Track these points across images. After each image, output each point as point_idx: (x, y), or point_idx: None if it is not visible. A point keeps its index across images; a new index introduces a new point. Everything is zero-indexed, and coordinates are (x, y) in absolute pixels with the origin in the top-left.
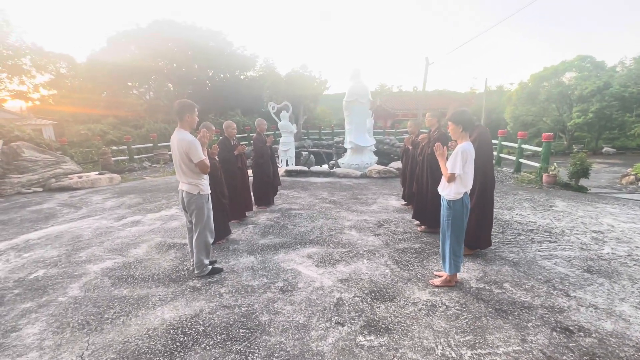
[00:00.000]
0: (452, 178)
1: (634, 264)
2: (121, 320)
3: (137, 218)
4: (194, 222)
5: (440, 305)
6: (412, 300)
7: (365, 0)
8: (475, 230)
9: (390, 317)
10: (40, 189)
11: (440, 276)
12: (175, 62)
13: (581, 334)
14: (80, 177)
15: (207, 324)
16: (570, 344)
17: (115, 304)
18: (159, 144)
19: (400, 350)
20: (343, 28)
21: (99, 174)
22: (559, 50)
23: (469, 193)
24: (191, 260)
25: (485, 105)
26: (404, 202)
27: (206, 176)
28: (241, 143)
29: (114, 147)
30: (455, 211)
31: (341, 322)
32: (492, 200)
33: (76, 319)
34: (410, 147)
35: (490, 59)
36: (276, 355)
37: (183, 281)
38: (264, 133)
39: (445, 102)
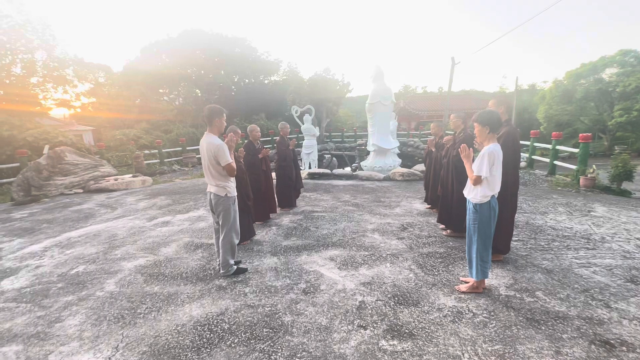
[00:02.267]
0: (478, 181)
1: None
2: (152, 315)
3: (167, 219)
4: (220, 223)
5: (467, 312)
6: (437, 306)
7: (389, 1)
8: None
9: (414, 322)
10: (80, 190)
11: (466, 282)
12: (203, 69)
13: (624, 348)
14: (116, 180)
15: (232, 322)
16: (611, 359)
17: (147, 300)
18: (188, 148)
19: (425, 357)
20: (366, 29)
21: (133, 176)
22: (597, 46)
23: (496, 196)
24: (217, 260)
25: (516, 105)
26: (428, 206)
27: (233, 179)
28: (265, 146)
29: (146, 151)
30: (482, 215)
31: (364, 325)
32: (515, 204)
33: (112, 312)
34: (433, 150)
35: (521, 56)
36: (299, 355)
37: (209, 280)
38: (287, 136)
39: (472, 102)
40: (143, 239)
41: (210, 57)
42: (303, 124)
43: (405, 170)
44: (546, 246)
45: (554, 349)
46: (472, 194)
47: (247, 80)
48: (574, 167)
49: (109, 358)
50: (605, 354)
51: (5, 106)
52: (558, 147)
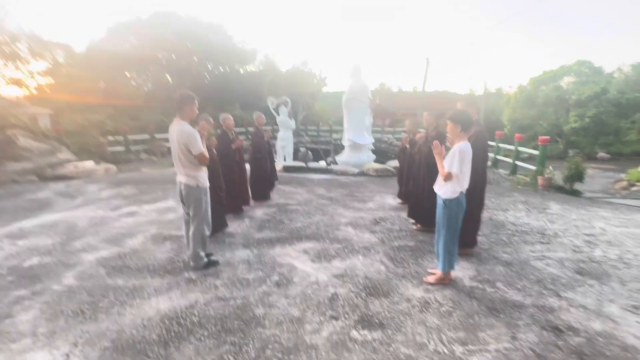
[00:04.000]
0: (448, 177)
1: (624, 267)
2: (115, 309)
3: (133, 209)
4: (191, 214)
5: (434, 302)
6: (406, 297)
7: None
8: (461, 228)
9: (384, 312)
10: (35, 178)
11: (434, 274)
12: (175, 54)
13: (570, 333)
14: (76, 167)
15: (202, 315)
16: (560, 342)
17: (110, 294)
18: (157, 136)
19: (393, 345)
20: (345, 26)
21: (95, 164)
22: (560, 54)
23: (464, 193)
24: (187, 252)
25: (484, 107)
26: (400, 201)
27: (205, 168)
28: (239, 137)
29: (110, 138)
30: (451, 210)
31: (335, 316)
32: (482, 200)
33: (70, 307)
34: (407, 146)
35: (491, 61)
36: (270, 347)
37: (178, 272)
38: (263, 127)
39: (445, 102)
40: (106, 229)
41: (183, 43)
42: (279, 115)
43: (379, 166)
44: (507, 240)
45: (510, 335)
46: (442, 190)
47: (221, 69)
48: (533, 167)
49: (67, 355)
50: (555, 338)
51: None
52: (520, 148)
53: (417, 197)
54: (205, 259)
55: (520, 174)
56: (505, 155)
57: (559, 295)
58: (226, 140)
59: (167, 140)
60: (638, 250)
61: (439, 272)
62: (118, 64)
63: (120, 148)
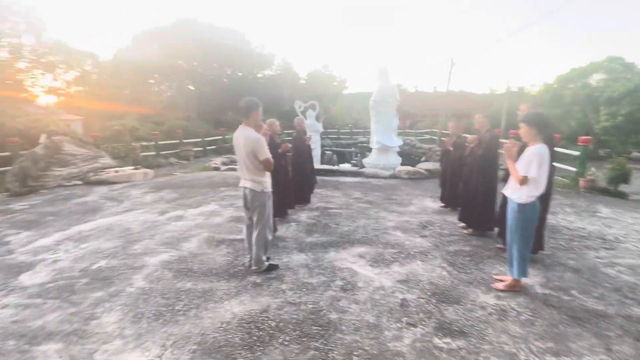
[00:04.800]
0: (524, 181)
1: None
2: (193, 312)
3: (179, 213)
4: (255, 219)
5: (510, 310)
6: (479, 304)
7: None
8: None
9: (461, 320)
10: (79, 182)
11: (501, 280)
12: (195, 61)
13: None
14: (116, 172)
15: (278, 320)
16: None
17: (183, 297)
18: (184, 140)
19: (482, 355)
20: (362, 26)
21: (134, 169)
22: (587, 52)
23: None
24: (247, 256)
25: (506, 107)
26: (442, 204)
27: (269, 174)
28: (284, 142)
29: (143, 143)
30: (526, 215)
31: (412, 323)
32: (548, 204)
33: (149, 309)
34: (451, 149)
35: (513, 60)
36: (355, 353)
37: (242, 276)
38: (304, 131)
39: (466, 103)
40: (160, 233)
41: (203, 49)
42: (307, 119)
43: (411, 168)
44: (566, 245)
45: (604, 347)
46: (517, 194)
47: (240, 74)
48: (569, 168)
49: (159, 357)
50: None
51: None
52: (556, 149)
53: (469, 201)
54: (266, 263)
55: (557, 176)
56: None
57: None
58: (273, 144)
59: (194, 144)
60: None
61: (508, 278)
62: (142, 72)
63: (150, 153)
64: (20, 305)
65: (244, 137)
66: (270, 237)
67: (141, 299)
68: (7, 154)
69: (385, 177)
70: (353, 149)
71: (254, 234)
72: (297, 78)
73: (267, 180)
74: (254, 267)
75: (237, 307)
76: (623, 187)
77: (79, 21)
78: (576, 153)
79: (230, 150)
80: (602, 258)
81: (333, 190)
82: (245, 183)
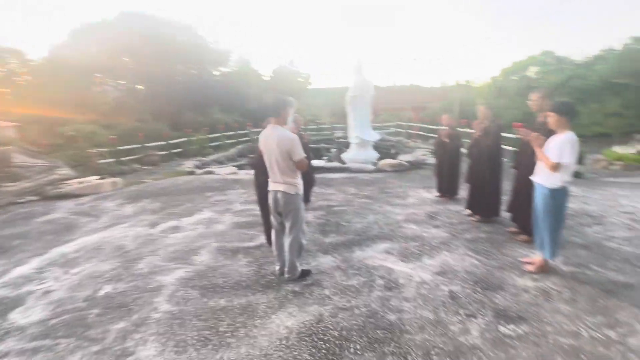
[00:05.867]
0: (557, 167)
1: None
2: (242, 332)
3: (174, 223)
4: (290, 223)
5: (551, 290)
6: (521, 288)
7: None
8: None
9: (513, 305)
10: (35, 198)
11: (531, 263)
12: (143, 58)
13: None
14: (81, 183)
15: (339, 328)
16: None
17: (222, 316)
18: (147, 145)
19: (550, 337)
20: (321, 22)
21: (100, 178)
22: (530, 45)
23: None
24: (277, 265)
25: (459, 99)
26: (438, 194)
27: (300, 175)
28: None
29: (101, 149)
30: (557, 200)
31: (471, 314)
32: None
33: (190, 335)
34: (447, 140)
35: (463, 53)
36: (433, 352)
37: (277, 286)
38: (301, 129)
39: (421, 96)
40: (162, 247)
41: (151, 45)
42: None
43: (394, 161)
44: (565, 224)
45: None
46: (550, 180)
47: (194, 72)
48: None
49: None
50: None
51: None
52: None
53: (476, 189)
54: (300, 269)
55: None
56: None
57: None
58: (302, 143)
59: (161, 148)
60: None
61: (536, 259)
62: (83, 71)
63: (109, 160)
64: (27, 351)
65: (277, 136)
66: (304, 241)
67: (176, 325)
68: None
69: (370, 172)
70: (333, 144)
71: (288, 240)
72: (258, 75)
73: (300, 181)
74: (287, 275)
75: (288, 320)
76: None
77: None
78: None
79: (199, 153)
80: (599, 233)
81: (325, 188)
82: (278, 186)
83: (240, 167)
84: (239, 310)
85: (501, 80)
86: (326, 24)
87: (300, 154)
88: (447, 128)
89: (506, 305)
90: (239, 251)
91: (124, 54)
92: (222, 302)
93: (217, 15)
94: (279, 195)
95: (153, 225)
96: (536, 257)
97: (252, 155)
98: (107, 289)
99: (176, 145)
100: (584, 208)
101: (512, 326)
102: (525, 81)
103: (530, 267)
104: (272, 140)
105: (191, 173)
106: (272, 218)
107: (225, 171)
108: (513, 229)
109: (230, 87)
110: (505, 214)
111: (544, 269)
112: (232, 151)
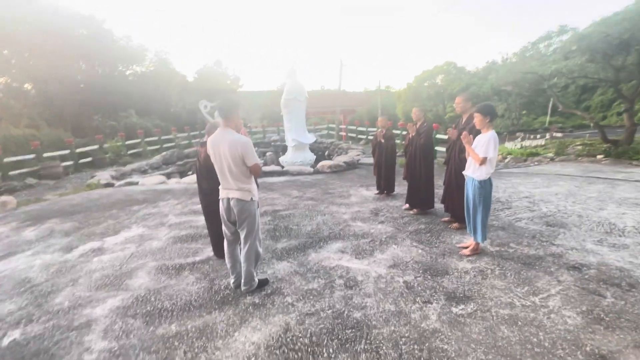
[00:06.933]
0: (484, 161)
1: (568, 216)
2: (203, 358)
3: (95, 245)
4: (245, 231)
5: (485, 269)
6: (462, 270)
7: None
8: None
9: (459, 287)
10: None
11: (465, 246)
12: (29, 52)
13: (585, 268)
14: None
15: (308, 335)
16: (585, 277)
17: (177, 343)
18: (45, 155)
19: (493, 310)
20: (256, 25)
21: None
22: (434, 56)
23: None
24: (231, 277)
25: (381, 103)
26: (377, 192)
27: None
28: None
29: None
30: (486, 189)
31: (427, 300)
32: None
33: None
34: (383, 141)
35: (384, 59)
36: (401, 342)
37: (234, 300)
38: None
39: (348, 100)
40: (84, 275)
41: (40, 36)
42: (213, 119)
43: (332, 162)
44: None
45: (555, 280)
46: (478, 173)
47: (100, 71)
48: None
49: None
50: (580, 274)
51: None
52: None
53: (413, 185)
54: (257, 279)
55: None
56: None
57: (554, 244)
58: None
59: (63, 158)
60: (564, 204)
61: (470, 243)
62: None
63: None
64: None
65: (227, 141)
66: (261, 249)
67: None
68: None
69: (310, 174)
70: (270, 147)
71: (244, 249)
72: (180, 75)
73: (255, 187)
74: (244, 287)
75: (253, 335)
76: None
77: None
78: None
79: (114, 162)
80: (510, 216)
81: (268, 192)
82: (230, 193)
83: (169, 175)
84: (195, 333)
85: (415, 86)
86: (256, 26)
87: (254, 158)
88: (382, 129)
89: (453, 288)
90: (183, 268)
91: (3, 46)
92: (174, 327)
93: (130, 8)
94: (232, 202)
95: (68, 249)
96: (469, 241)
97: (180, 163)
98: (14, 334)
99: (85, 154)
100: (495, 196)
101: (462, 306)
102: (435, 87)
103: (465, 251)
104: (223, 144)
105: (109, 185)
106: (223, 228)
107: (152, 181)
108: (446, 219)
109: (147, 89)
110: (438, 206)
111: (477, 251)
112: (157, 158)
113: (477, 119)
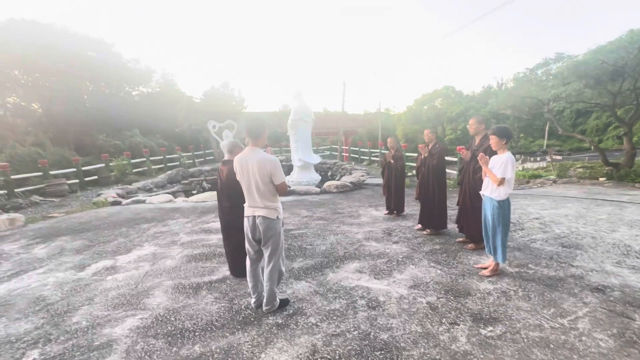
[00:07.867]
0: (502, 182)
1: (582, 238)
2: None
3: (108, 263)
4: (269, 250)
5: (508, 290)
6: (484, 291)
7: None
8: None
9: (484, 309)
10: None
11: (485, 267)
12: (39, 72)
13: (608, 289)
14: None
15: (337, 356)
16: (610, 298)
17: None
18: (52, 172)
19: (522, 332)
20: (261, 45)
21: None
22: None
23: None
24: (253, 297)
25: (381, 125)
26: (386, 212)
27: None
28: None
29: None
30: (504, 209)
31: (453, 322)
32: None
33: None
34: (392, 161)
35: (384, 83)
36: None
37: (256, 321)
38: None
39: (350, 122)
40: (100, 293)
41: (50, 58)
42: (222, 140)
43: (338, 182)
44: None
45: (581, 302)
46: (496, 193)
47: (107, 91)
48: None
49: None
50: (604, 295)
51: None
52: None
53: (426, 206)
54: (278, 299)
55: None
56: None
57: (573, 265)
58: None
59: (69, 176)
60: (575, 225)
61: (489, 264)
62: None
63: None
64: None
65: (256, 159)
66: (284, 268)
67: None
68: None
69: (317, 193)
70: None
71: (267, 268)
72: (187, 96)
73: (280, 206)
74: (266, 307)
75: (280, 356)
76: None
77: None
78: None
79: (119, 180)
80: (524, 237)
81: None
82: (257, 211)
83: (174, 194)
84: (220, 355)
85: (414, 109)
86: (261, 49)
87: (282, 177)
88: (391, 150)
89: (478, 309)
90: (200, 287)
91: (14, 67)
92: (197, 348)
93: (140, 33)
94: (259, 221)
95: (81, 267)
96: (489, 262)
97: (185, 182)
98: (34, 354)
99: (91, 173)
100: None
101: (490, 327)
102: (434, 110)
103: (485, 272)
104: (252, 162)
105: (116, 203)
106: (247, 246)
107: (159, 199)
108: (461, 239)
109: (152, 109)
110: (451, 226)
111: (497, 272)
112: (162, 177)
113: (494, 141)
